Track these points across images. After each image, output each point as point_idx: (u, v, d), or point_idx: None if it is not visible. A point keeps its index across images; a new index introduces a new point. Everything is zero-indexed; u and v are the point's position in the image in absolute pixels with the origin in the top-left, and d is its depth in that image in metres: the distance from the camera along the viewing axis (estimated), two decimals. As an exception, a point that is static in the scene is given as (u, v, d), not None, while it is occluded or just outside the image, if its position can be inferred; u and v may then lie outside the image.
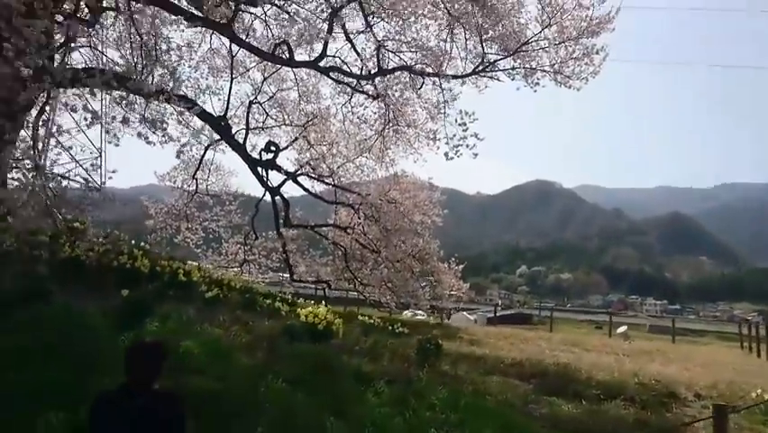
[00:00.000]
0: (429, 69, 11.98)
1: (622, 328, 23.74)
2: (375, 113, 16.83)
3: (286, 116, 18.35)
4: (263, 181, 17.77)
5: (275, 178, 18.38)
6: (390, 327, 12.50)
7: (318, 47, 12.11)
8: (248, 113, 17.19)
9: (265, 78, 17.03)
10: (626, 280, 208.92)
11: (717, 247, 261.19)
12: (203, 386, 5.11)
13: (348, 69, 12.58)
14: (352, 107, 16.60)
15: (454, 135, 14.89)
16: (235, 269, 18.36)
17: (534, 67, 11.80)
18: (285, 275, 20.75)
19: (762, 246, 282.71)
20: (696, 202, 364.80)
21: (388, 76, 12.66)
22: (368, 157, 18.14)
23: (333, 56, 12.46)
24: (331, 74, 12.63)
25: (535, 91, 12.15)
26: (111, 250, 10.49)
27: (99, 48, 15.61)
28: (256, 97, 17.41)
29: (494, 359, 10.71)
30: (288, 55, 11.66)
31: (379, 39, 12.10)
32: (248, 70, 16.71)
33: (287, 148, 18.32)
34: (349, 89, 13.86)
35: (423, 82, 12.61)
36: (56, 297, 7.72)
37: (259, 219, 19.28)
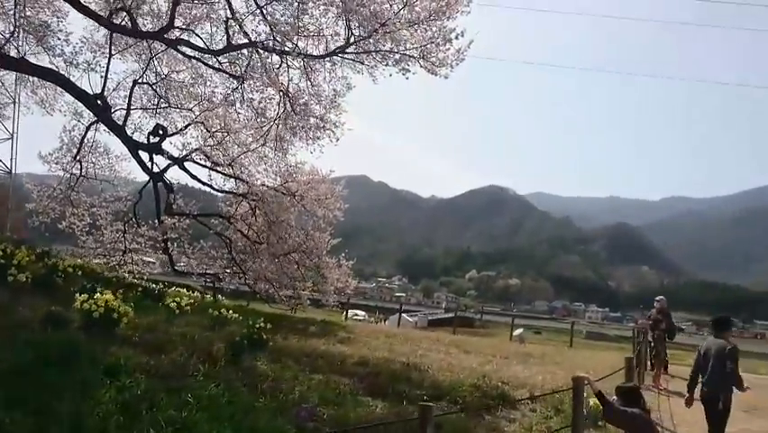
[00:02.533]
0: (284, 47, 11.28)
1: (518, 331, 23.56)
2: (271, 100, 16.19)
3: (182, 100, 17.47)
4: (144, 165, 16.85)
5: (163, 163, 17.55)
6: (250, 322, 11.67)
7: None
8: (130, 93, 16.25)
9: (152, 57, 16.11)
10: (571, 287, 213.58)
11: (659, 258, 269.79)
12: None
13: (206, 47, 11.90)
14: (245, 94, 15.89)
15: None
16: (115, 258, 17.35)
17: (395, 50, 11.27)
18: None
19: (701, 259, 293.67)
20: (642, 214, 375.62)
21: (240, 52, 11.89)
22: (264, 146, 17.42)
23: (186, 29, 11.70)
24: (179, 47, 11.81)
25: (407, 78, 11.71)
26: None
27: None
28: (141, 77, 16.50)
29: (339, 357, 10.10)
30: (130, 24, 10.87)
31: (231, 13, 11.44)
32: (129, 47, 15.72)
33: (177, 133, 17.45)
34: (202, 65, 12.91)
35: (282, 61, 11.93)
36: None
37: (148, 207, 18.32)
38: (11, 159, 41.25)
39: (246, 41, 11.81)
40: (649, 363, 12.87)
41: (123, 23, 11.07)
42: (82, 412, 4.79)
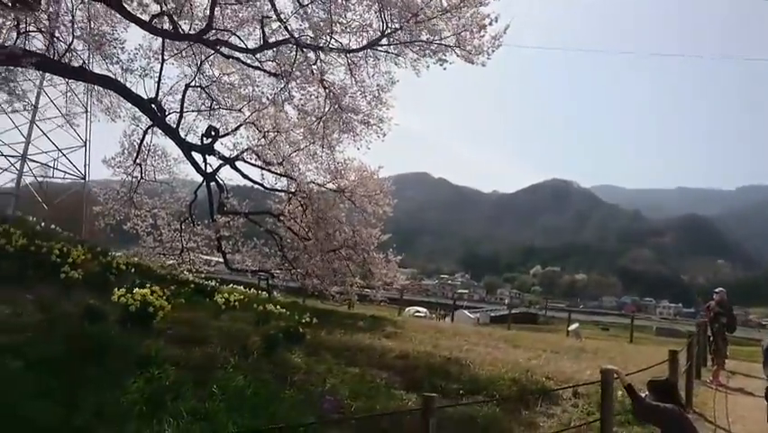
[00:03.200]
0: (318, 43, 11.34)
1: (573, 326, 22.85)
2: (317, 98, 16.35)
3: (233, 102, 17.85)
4: (197, 166, 17.36)
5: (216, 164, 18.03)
6: (298, 317, 11.85)
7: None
8: (183, 96, 16.77)
9: (202, 61, 16.56)
10: (641, 282, 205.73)
11: (735, 250, 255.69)
12: None
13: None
14: (292, 94, 16.11)
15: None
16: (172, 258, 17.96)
17: (431, 40, 11.13)
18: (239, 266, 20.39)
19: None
20: (715, 204, 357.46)
21: (279, 50, 12.02)
22: (313, 144, 17.63)
23: (225, 30, 11.94)
24: (218, 47, 12.07)
25: (444, 68, 11.56)
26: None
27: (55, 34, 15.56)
28: (193, 80, 16.98)
29: (380, 351, 10.08)
30: (171, 27, 11.20)
31: (275, 12, 11.57)
32: (179, 52, 16.21)
33: (229, 134, 17.87)
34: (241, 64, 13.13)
35: (317, 58, 12.00)
36: None
37: (204, 207, 18.87)
38: (84, 165, 43.61)
39: (281, 38, 11.98)
40: (709, 358, 12.22)
41: (166, 26, 11.45)
42: (107, 402, 4.96)
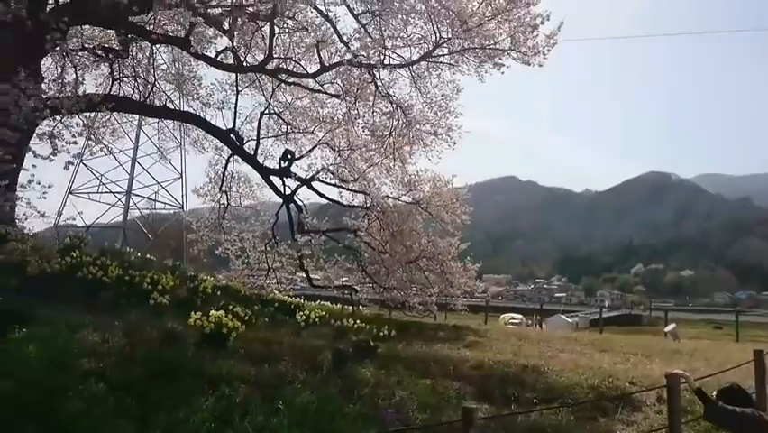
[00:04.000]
0: (370, 61, 11.56)
1: (670, 327, 21.47)
2: (385, 114, 16.70)
3: (307, 124, 18.45)
4: (276, 189, 18.06)
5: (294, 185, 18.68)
6: (376, 331, 12.05)
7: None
8: (258, 123, 17.55)
9: (274, 89, 17.28)
10: (756, 274, 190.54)
11: None
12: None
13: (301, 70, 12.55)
14: (360, 111, 16.53)
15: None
16: (258, 278, 18.71)
17: (484, 44, 11.07)
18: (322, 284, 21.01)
19: None
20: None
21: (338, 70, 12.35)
22: (384, 159, 17.93)
23: (282, 58, 12.43)
24: (279, 75, 12.54)
25: (503, 73, 11.45)
26: (80, 262, 10.95)
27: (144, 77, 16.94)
28: (266, 108, 17.73)
29: (455, 361, 10.01)
30: (235, 61, 11.81)
31: (338, 35, 11.95)
32: (253, 82, 17.01)
33: (304, 156, 18.46)
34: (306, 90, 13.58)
35: (374, 75, 12.22)
36: None
37: (286, 227, 19.56)
38: (182, 195, 46.53)
39: (337, 60, 12.35)
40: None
41: (230, 61, 12.14)
42: (178, 420, 5.28)
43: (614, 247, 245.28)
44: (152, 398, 5.66)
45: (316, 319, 12.54)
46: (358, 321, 13.14)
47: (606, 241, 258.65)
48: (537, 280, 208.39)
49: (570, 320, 44.41)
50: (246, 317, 10.49)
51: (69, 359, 6.26)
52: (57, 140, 8.47)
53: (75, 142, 8.72)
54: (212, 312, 8.01)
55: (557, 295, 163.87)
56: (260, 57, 12.32)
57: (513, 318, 42.53)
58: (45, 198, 8.59)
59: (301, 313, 12.78)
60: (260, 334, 9.27)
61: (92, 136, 15.26)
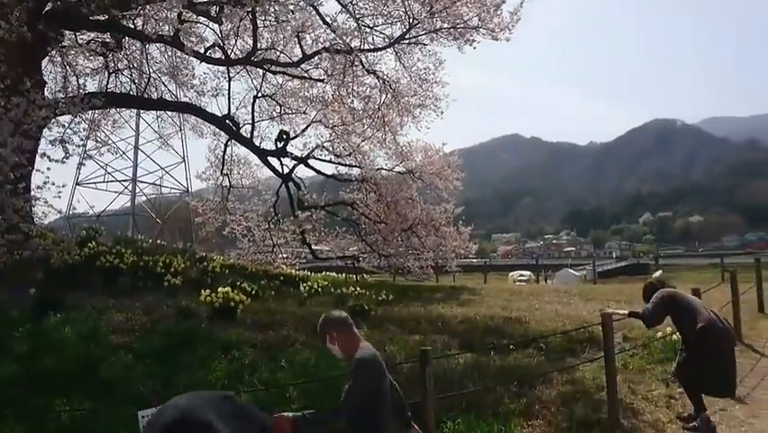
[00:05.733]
0: (350, 45, 12.30)
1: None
2: (373, 89, 17.49)
3: (299, 105, 19.19)
4: (274, 169, 18.92)
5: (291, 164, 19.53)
6: (375, 296, 13.06)
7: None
8: (252, 108, 18.32)
9: (264, 74, 17.99)
10: (766, 216, 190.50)
11: None
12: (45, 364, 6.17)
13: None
14: (350, 89, 17.28)
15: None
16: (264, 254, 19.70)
17: (456, 24, 11.79)
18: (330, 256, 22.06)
19: None
20: None
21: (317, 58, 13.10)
22: (376, 132, 18.71)
23: (265, 49, 13.17)
24: (264, 66, 13.31)
25: (474, 48, 12.17)
26: (97, 252, 11.95)
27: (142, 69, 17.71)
28: (258, 91, 18.48)
29: (444, 318, 10.98)
30: (223, 55, 12.57)
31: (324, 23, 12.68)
32: (242, 69, 17.72)
33: (299, 135, 19.27)
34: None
35: (353, 59, 12.96)
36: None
37: (287, 204, 20.49)
38: (186, 179, 47.47)
39: (322, 44, 13.11)
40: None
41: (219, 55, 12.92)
42: (196, 380, 6.30)
43: (621, 198, 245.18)
44: (174, 363, 6.68)
45: (319, 289, 13.50)
46: (359, 288, 14.12)
47: (613, 192, 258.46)
48: (546, 237, 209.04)
49: (577, 274, 45.29)
50: (253, 292, 11.50)
51: (100, 336, 7.29)
52: (68, 144, 9.37)
53: (84, 145, 9.58)
54: (220, 289, 9.00)
55: (566, 249, 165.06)
56: (250, 42, 12.98)
57: (522, 276, 43.49)
58: (60, 197, 9.52)
59: (305, 284, 13.75)
60: (265, 305, 10.28)
61: (96, 133, 16.12)
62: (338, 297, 12.56)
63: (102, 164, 42.39)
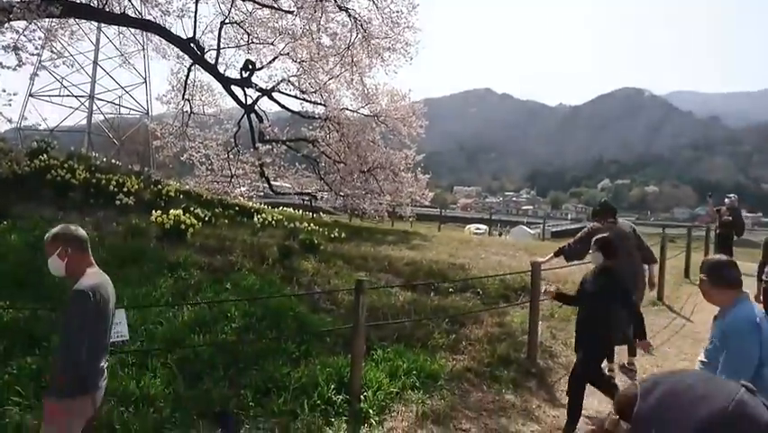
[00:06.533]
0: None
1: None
2: (344, 27, 17.30)
3: (267, 35, 18.80)
4: (237, 99, 18.66)
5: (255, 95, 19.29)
6: (327, 233, 13.30)
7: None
8: (219, 33, 17.88)
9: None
10: (718, 192, 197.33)
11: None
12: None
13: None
14: (321, 24, 17.02)
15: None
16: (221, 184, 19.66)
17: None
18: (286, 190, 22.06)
19: None
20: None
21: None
22: (345, 71, 18.57)
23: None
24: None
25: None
26: (48, 165, 11.79)
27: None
28: (226, 17, 18.01)
29: (392, 259, 11.33)
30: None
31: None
32: (212, -11, 17.21)
33: (264, 67, 18.97)
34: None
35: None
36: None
37: (248, 136, 20.33)
38: (147, 101, 46.12)
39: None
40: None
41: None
42: (142, 294, 6.49)
43: (584, 163, 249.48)
44: (120, 278, 6.82)
45: (273, 222, 13.66)
46: (313, 225, 14.35)
47: (577, 156, 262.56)
48: (507, 193, 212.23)
49: (531, 231, 46.60)
50: (206, 218, 11.60)
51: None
52: (21, 52, 9.11)
53: (38, 54, 9.33)
54: (172, 211, 9.09)
55: (524, 208, 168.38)
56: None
57: (478, 229, 44.47)
58: (10, 105, 9.33)
59: (259, 216, 13.88)
60: (217, 231, 10.41)
61: (52, 43, 15.53)
62: (290, 230, 12.75)
63: (58, 77, 40.85)
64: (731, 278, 3.15)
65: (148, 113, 45.05)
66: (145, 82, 44.79)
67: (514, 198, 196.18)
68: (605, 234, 5.21)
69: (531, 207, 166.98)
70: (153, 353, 5.22)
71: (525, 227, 50.32)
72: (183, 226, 8.89)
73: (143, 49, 35.93)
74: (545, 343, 7.03)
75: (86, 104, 42.80)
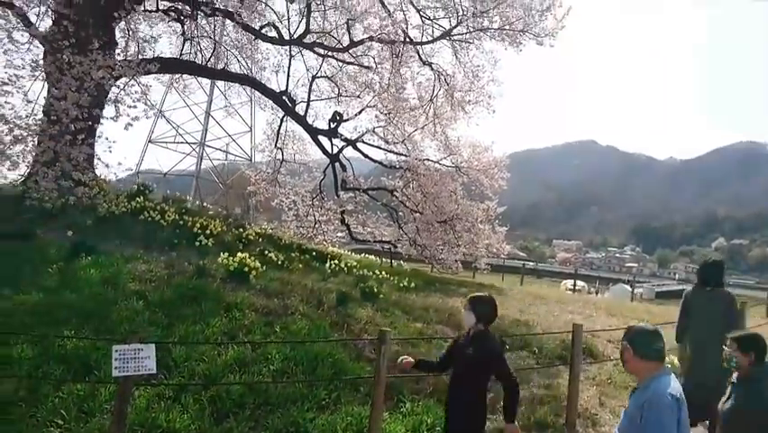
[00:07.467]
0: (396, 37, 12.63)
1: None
2: (427, 80, 17.91)
3: (355, 88, 19.73)
4: (324, 149, 19.54)
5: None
6: (398, 282, 13.46)
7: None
8: (310, 86, 18.96)
9: (324, 56, 18.59)
10: None
11: None
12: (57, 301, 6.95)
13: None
14: (404, 78, 17.71)
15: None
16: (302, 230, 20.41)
17: (502, 26, 11.94)
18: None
19: None
20: None
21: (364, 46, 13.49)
22: (429, 123, 19.07)
23: (317, 32, 13.67)
24: (315, 49, 13.78)
25: (520, 50, 12.26)
26: (143, 207, 12.86)
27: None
28: (317, 71, 19.09)
29: (454, 311, 11.21)
30: (276, 34, 13.11)
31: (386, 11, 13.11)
32: (305, 48, 18.38)
33: (351, 118, 19.81)
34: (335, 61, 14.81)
35: (401, 51, 13.28)
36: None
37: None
38: (251, 148, 49.04)
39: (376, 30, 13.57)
40: None
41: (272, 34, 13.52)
42: (194, 332, 6.91)
43: (695, 219, 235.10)
44: (177, 315, 7.32)
45: (345, 268, 13.99)
46: (385, 273, 14.54)
47: (687, 212, 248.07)
48: (610, 249, 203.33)
49: (630, 289, 44.29)
50: (279, 262, 12.10)
51: (120, 281, 8.02)
52: (119, 104, 10.20)
53: (135, 107, 10.37)
54: (238, 254, 9.63)
55: (628, 265, 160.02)
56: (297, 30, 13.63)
57: (575, 285, 42.90)
58: (111, 151, 10.36)
59: (333, 262, 14.26)
60: (281, 275, 10.83)
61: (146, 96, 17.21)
62: (359, 278, 13.00)
63: (174, 125, 44.54)
64: (658, 350, 3.02)
65: (251, 160, 47.80)
66: (250, 131, 47.84)
67: (617, 255, 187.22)
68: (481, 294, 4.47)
69: (636, 265, 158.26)
70: (189, 388, 5.53)
71: (625, 285, 47.92)
72: (246, 269, 9.37)
73: (250, 100, 38.58)
74: (591, 410, 6.70)
75: (197, 150, 46.19)
